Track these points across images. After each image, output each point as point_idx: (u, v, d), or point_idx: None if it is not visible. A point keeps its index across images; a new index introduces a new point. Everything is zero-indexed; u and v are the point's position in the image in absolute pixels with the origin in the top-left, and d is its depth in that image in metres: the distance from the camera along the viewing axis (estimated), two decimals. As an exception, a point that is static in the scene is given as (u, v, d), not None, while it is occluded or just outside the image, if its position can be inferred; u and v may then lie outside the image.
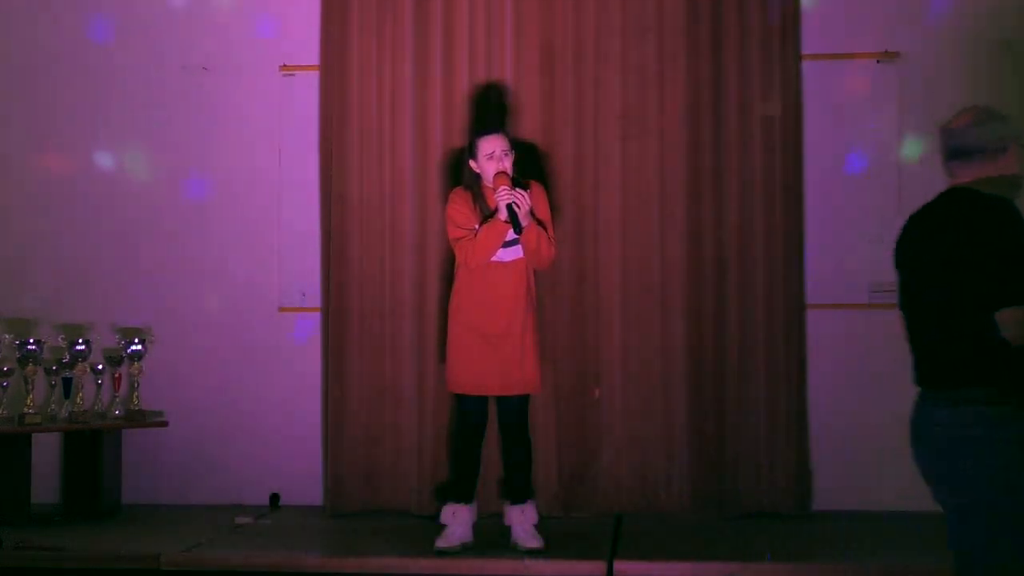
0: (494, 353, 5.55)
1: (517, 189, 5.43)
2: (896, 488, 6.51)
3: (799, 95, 6.51)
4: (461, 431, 5.73)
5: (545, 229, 5.57)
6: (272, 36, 6.88)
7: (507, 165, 5.53)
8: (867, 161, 6.62)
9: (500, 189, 5.44)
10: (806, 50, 6.55)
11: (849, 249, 6.59)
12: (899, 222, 6.64)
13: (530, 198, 5.53)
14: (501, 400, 5.64)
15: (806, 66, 6.54)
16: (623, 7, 6.54)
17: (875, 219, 6.59)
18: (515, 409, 5.63)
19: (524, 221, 5.42)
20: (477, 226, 5.55)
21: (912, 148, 6.59)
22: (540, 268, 5.66)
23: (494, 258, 5.55)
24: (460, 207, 5.62)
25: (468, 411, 5.66)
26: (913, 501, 6.50)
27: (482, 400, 5.65)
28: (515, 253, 5.57)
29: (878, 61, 6.64)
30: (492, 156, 5.54)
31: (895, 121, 6.62)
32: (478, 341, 5.57)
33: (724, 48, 6.49)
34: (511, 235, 5.48)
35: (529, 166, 6.06)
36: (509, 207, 5.39)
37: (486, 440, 5.79)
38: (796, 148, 6.49)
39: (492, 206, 5.53)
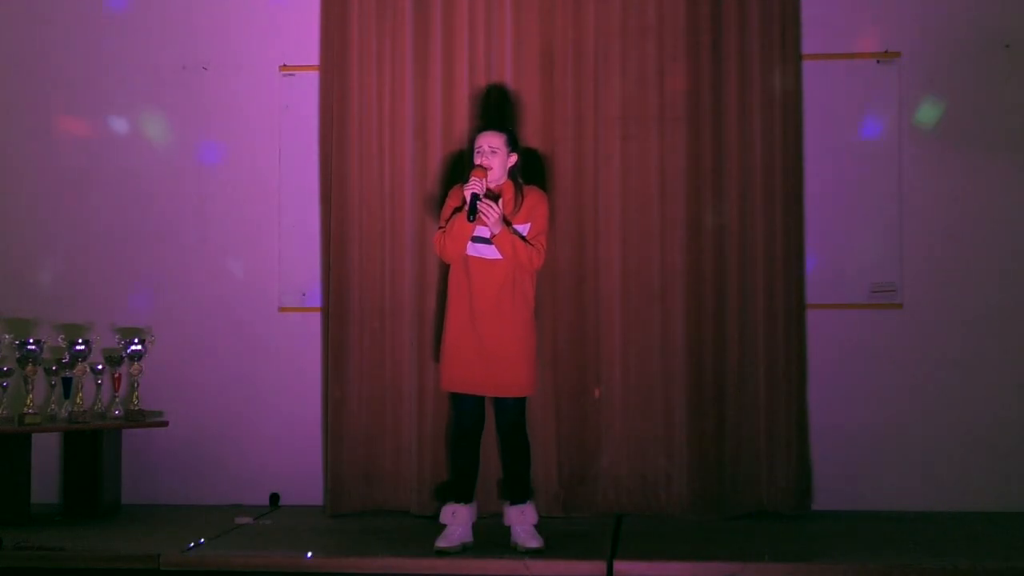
0: (484, 353, 5.56)
1: (485, 200, 5.46)
2: (896, 488, 6.54)
3: (799, 95, 6.51)
4: (457, 431, 5.74)
5: (523, 238, 5.56)
6: (272, 36, 6.88)
7: (492, 163, 5.56)
8: (867, 161, 6.62)
9: (471, 180, 5.49)
10: (806, 50, 6.55)
11: (849, 249, 6.60)
12: (899, 222, 6.72)
13: (527, 204, 5.58)
14: (497, 401, 5.65)
15: (806, 66, 6.55)
16: (623, 7, 6.53)
17: (875, 219, 6.60)
18: (511, 410, 5.63)
19: (496, 229, 5.46)
20: None
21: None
22: (523, 272, 5.64)
23: (475, 254, 5.57)
24: (450, 202, 5.67)
25: (463, 411, 5.66)
26: (913, 501, 6.58)
27: (477, 400, 5.65)
28: (497, 252, 5.58)
29: (878, 61, 6.64)
30: (479, 151, 5.60)
31: (895, 121, 6.62)
32: (467, 340, 5.58)
33: (724, 48, 6.49)
34: (485, 232, 5.50)
35: (529, 172, 6.07)
36: (473, 196, 5.43)
37: (485, 440, 5.80)
38: (796, 148, 6.49)
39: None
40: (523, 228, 5.59)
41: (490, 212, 5.45)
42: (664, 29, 6.50)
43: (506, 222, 5.54)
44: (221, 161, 6.89)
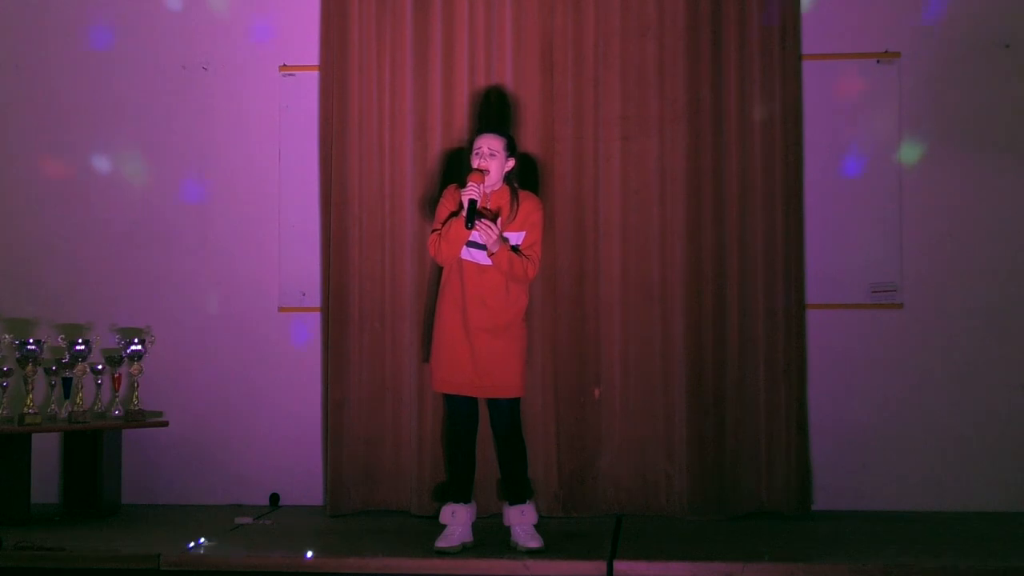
0: (476, 355, 5.56)
1: (484, 220, 5.46)
2: (896, 488, 6.54)
3: (799, 95, 6.52)
4: (452, 431, 5.75)
5: (519, 252, 5.57)
6: (272, 36, 6.89)
7: (490, 166, 5.56)
8: (867, 161, 6.62)
9: (469, 185, 5.48)
10: (806, 50, 6.56)
11: (849, 249, 6.60)
12: (899, 222, 6.72)
13: (522, 210, 5.58)
14: (491, 403, 5.65)
15: (806, 66, 6.55)
16: (623, 8, 6.53)
17: (875, 219, 6.60)
18: (505, 411, 5.63)
19: (494, 248, 5.46)
20: None
21: (909, 152, 6.60)
22: (517, 283, 5.65)
23: (469, 258, 5.57)
24: (445, 203, 5.66)
25: (456, 412, 5.67)
26: (913, 501, 6.58)
27: (470, 400, 5.65)
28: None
29: (878, 61, 6.64)
30: (478, 153, 5.59)
31: (895, 121, 6.62)
32: (459, 342, 5.59)
33: (724, 48, 6.49)
34: (478, 238, 5.51)
35: (524, 177, 6.08)
36: (471, 202, 5.43)
37: (483, 440, 5.80)
38: (796, 148, 6.49)
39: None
40: (518, 235, 5.59)
41: (489, 233, 5.46)
42: (664, 29, 6.51)
43: (502, 238, 5.53)
44: (221, 161, 6.89)
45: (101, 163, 6.95)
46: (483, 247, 5.54)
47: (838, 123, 6.63)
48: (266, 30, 6.89)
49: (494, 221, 5.51)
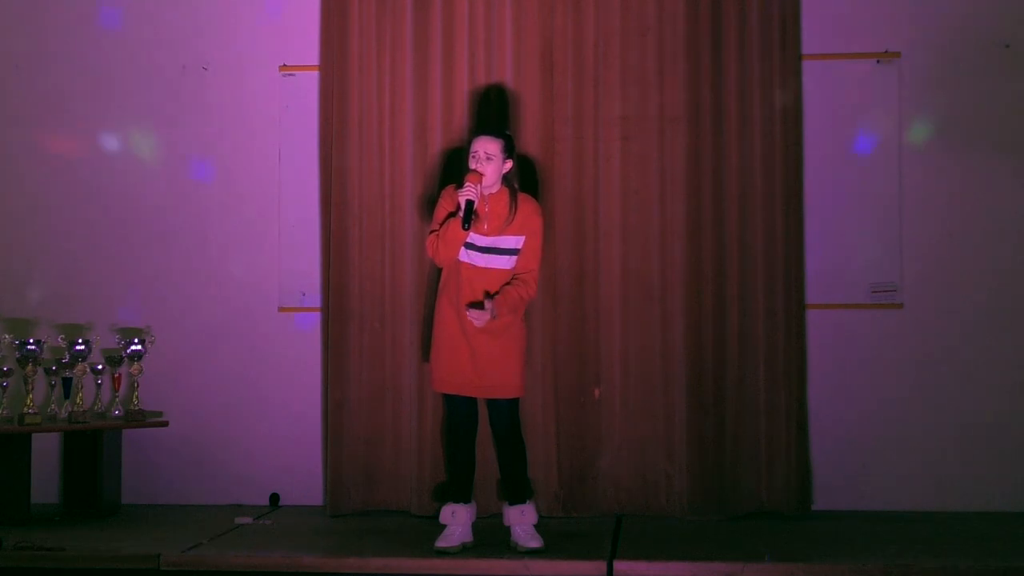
0: (474, 356, 5.57)
1: (474, 309, 5.49)
2: (896, 488, 6.54)
3: (799, 95, 6.52)
4: (451, 431, 5.75)
5: (513, 278, 5.59)
6: (272, 36, 6.89)
7: (487, 169, 5.55)
8: (867, 161, 6.62)
9: (466, 186, 5.47)
10: (806, 50, 6.56)
11: (849, 249, 6.60)
12: (899, 222, 6.72)
13: (521, 213, 5.58)
14: (490, 403, 5.65)
15: (806, 66, 6.55)
16: (623, 8, 6.54)
17: (875, 219, 6.60)
18: (504, 412, 5.63)
19: (492, 315, 5.46)
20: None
21: (910, 151, 6.61)
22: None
23: (467, 260, 5.57)
24: (444, 203, 5.65)
25: (455, 412, 5.68)
26: (913, 501, 6.58)
27: (469, 400, 5.65)
28: (489, 261, 5.58)
29: (878, 61, 6.64)
30: (475, 156, 5.59)
31: (895, 121, 6.62)
32: (458, 342, 5.59)
33: (724, 48, 6.49)
34: (478, 240, 5.50)
35: (525, 179, 6.07)
36: (468, 203, 5.43)
37: (483, 441, 5.80)
38: (796, 148, 6.49)
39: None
40: (516, 240, 5.59)
41: (480, 316, 5.48)
42: (664, 29, 6.51)
43: (492, 297, 5.55)
44: (221, 161, 6.89)
45: (101, 164, 6.95)
46: (481, 249, 5.54)
47: (838, 123, 6.63)
48: (266, 30, 6.89)
49: (480, 307, 5.50)
